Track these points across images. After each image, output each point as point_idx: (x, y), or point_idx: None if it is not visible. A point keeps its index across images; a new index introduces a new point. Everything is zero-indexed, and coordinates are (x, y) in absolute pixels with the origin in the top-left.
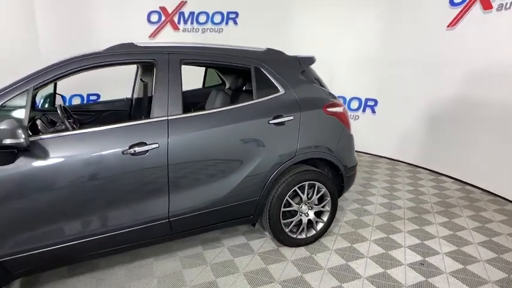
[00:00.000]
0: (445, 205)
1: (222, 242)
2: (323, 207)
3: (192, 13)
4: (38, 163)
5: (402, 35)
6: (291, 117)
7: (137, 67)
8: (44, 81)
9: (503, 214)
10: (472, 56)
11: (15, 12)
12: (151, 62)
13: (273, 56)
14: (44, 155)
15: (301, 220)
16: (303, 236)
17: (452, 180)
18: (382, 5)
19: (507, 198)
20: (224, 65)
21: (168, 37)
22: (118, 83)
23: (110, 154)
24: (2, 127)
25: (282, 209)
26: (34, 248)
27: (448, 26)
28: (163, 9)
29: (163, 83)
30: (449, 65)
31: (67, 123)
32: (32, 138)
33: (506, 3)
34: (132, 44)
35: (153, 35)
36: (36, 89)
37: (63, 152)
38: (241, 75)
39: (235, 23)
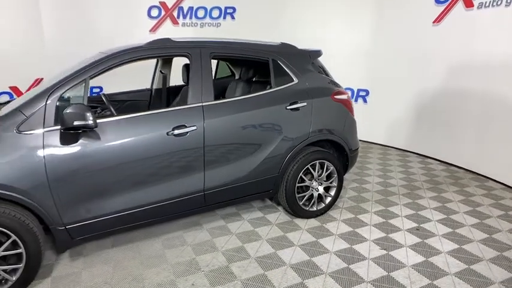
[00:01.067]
0: (434, 183)
1: (242, 216)
2: (331, 183)
3: (191, 8)
4: (98, 142)
5: (392, 30)
6: (305, 104)
7: (157, 60)
8: (98, 71)
9: (484, 189)
10: (455, 50)
11: (19, 5)
12: (185, 55)
13: (287, 50)
14: (103, 135)
15: (312, 194)
16: (314, 208)
17: (438, 162)
18: (372, 2)
19: (487, 176)
20: (245, 57)
21: (168, 31)
22: (118, 76)
23: (157, 135)
24: (73, 111)
25: (297, 185)
26: (94, 217)
27: (433, 22)
28: (163, 4)
29: (197, 73)
30: (434, 58)
31: (112, 109)
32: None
33: (486, 2)
34: (169, 39)
35: (154, 29)
36: (91, 78)
37: (118, 133)
38: (252, 67)
39: (233, 17)
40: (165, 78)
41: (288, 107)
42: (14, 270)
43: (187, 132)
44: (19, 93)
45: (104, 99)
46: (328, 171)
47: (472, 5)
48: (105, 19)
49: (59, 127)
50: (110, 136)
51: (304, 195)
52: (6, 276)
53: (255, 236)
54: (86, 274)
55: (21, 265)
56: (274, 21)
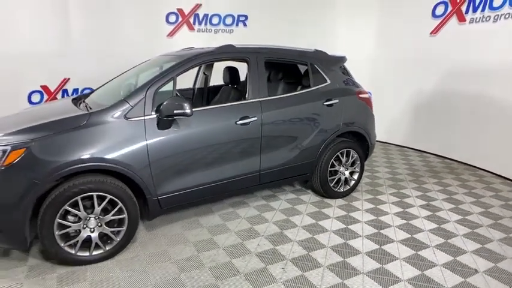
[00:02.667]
0: (433, 172)
1: (279, 197)
2: (355, 168)
3: (206, 15)
4: (186, 128)
5: (393, 38)
6: (337, 100)
7: None
8: (182, 71)
9: (477, 176)
10: (449, 57)
11: (50, 11)
12: (245, 59)
13: (320, 55)
14: (190, 122)
15: (340, 178)
16: (341, 190)
17: (434, 155)
18: (375, 14)
19: (478, 166)
20: (290, 61)
21: (185, 37)
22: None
23: (228, 123)
24: (173, 102)
25: (329, 169)
26: (178, 190)
27: (430, 33)
28: (180, 10)
29: (254, 74)
30: (431, 64)
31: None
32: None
33: (476, 18)
34: (232, 45)
35: (171, 34)
36: (177, 76)
37: (200, 121)
38: (281, 70)
39: (245, 25)
40: (206, 79)
41: (324, 103)
42: (118, 232)
43: (249, 122)
44: (49, 92)
45: (179, 94)
46: (353, 159)
47: (465, 20)
48: (127, 24)
49: (155, 115)
50: (194, 123)
51: (334, 178)
52: (113, 236)
53: (295, 212)
54: (165, 242)
55: (124, 228)
56: (283, 29)
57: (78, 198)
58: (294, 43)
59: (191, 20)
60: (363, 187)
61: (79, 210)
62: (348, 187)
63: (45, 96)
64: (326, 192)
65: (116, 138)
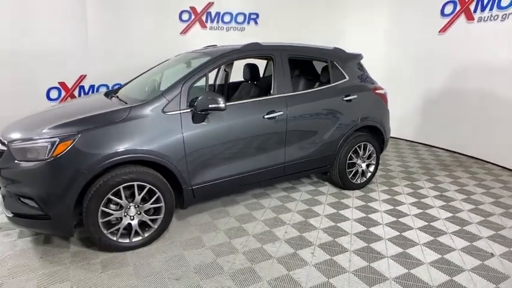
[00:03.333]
0: (443, 165)
1: (299, 189)
2: (371, 161)
3: (218, 13)
4: (219, 121)
5: (402, 36)
6: (356, 96)
7: None
8: (213, 68)
9: (485, 169)
10: (458, 55)
11: (69, 10)
12: (270, 56)
13: (339, 53)
14: (222, 116)
15: (357, 170)
16: (358, 181)
17: (443, 150)
18: (386, 14)
19: (487, 160)
20: (311, 58)
21: (197, 34)
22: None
23: (257, 117)
24: (208, 97)
25: (347, 162)
26: (209, 181)
27: (439, 32)
28: (193, 8)
29: (279, 70)
30: (440, 61)
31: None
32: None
33: (485, 17)
34: (258, 43)
35: (184, 31)
36: (209, 72)
37: (231, 115)
38: (299, 67)
39: (256, 23)
40: (227, 75)
41: (344, 99)
42: (155, 220)
43: (276, 116)
44: (66, 88)
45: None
46: (370, 152)
47: (473, 19)
48: (141, 21)
49: (190, 109)
50: (225, 117)
51: (351, 171)
52: (151, 224)
53: (316, 202)
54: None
55: (161, 216)
56: (294, 27)
57: (121, 187)
58: (304, 40)
59: (203, 18)
60: (377, 179)
61: (121, 199)
62: (365, 179)
63: (63, 93)
64: (344, 183)
65: (155, 131)
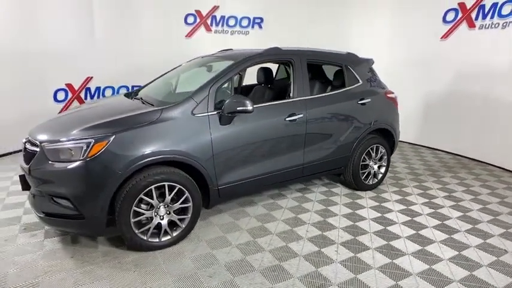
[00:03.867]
0: (447, 167)
1: (312, 190)
2: (382, 163)
3: (223, 17)
4: (244, 124)
5: (406, 41)
6: (369, 100)
7: None
8: (238, 71)
9: (488, 171)
10: (459, 60)
11: (76, 12)
12: (290, 61)
13: (353, 58)
14: (247, 118)
15: (369, 171)
16: (370, 182)
17: (445, 152)
18: (389, 20)
19: (487, 162)
20: (327, 63)
21: (203, 37)
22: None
23: (279, 120)
24: (236, 99)
25: (360, 163)
26: (235, 181)
27: (441, 38)
28: (198, 12)
29: (299, 74)
30: (442, 66)
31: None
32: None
33: (486, 24)
34: (278, 48)
35: (189, 34)
36: (234, 76)
37: (255, 117)
38: (311, 71)
39: (260, 27)
40: (240, 78)
41: (358, 102)
42: (183, 220)
43: (296, 119)
44: (73, 90)
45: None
46: (381, 154)
47: (474, 26)
48: (147, 24)
49: (217, 111)
50: (250, 119)
51: (364, 172)
52: (179, 223)
53: (332, 202)
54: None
55: (189, 216)
56: (298, 31)
57: (152, 187)
58: (309, 44)
59: (208, 22)
60: (387, 181)
61: (152, 199)
62: (376, 180)
63: (70, 95)
64: (357, 184)
65: (185, 133)
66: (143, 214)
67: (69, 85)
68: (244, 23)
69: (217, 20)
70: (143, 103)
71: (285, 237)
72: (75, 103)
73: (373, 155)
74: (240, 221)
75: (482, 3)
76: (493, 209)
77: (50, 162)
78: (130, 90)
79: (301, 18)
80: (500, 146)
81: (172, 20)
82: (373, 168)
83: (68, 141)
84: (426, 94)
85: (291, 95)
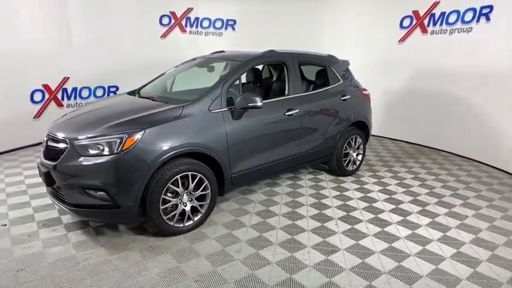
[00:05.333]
0: (409, 154)
1: (301, 178)
2: (359, 151)
3: (197, 18)
4: (253, 118)
5: (368, 44)
6: (349, 96)
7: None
8: (243, 71)
9: (442, 156)
10: (415, 61)
11: (51, 13)
12: (284, 62)
13: (333, 59)
14: (254, 113)
15: (349, 159)
16: (351, 168)
17: (405, 142)
18: (354, 25)
19: (441, 149)
20: (313, 64)
21: (177, 38)
22: (131, 77)
23: (280, 114)
24: (247, 97)
25: (343, 152)
26: (244, 170)
27: (399, 41)
28: (173, 13)
29: (292, 74)
30: (400, 66)
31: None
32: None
33: (436, 30)
34: (273, 50)
35: (164, 35)
36: (241, 75)
37: (260, 112)
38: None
39: (233, 29)
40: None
41: (341, 98)
42: (202, 206)
43: (293, 114)
44: (50, 90)
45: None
46: (358, 143)
47: (427, 31)
48: (123, 25)
49: (228, 108)
50: (256, 114)
51: (345, 160)
52: (200, 209)
53: (321, 187)
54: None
55: (207, 202)
56: (270, 33)
57: (178, 177)
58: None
59: (183, 23)
60: (362, 168)
61: (178, 187)
62: (355, 166)
63: (47, 95)
64: (340, 170)
65: (204, 127)
66: (170, 202)
67: (46, 86)
68: (218, 24)
69: (192, 21)
70: (153, 100)
71: (291, 217)
72: (52, 104)
73: (353, 144)
74: (246, 206)
75: (432, 12)
76: (453, 185)
77: (82, 157)
78: (132, 89)
79: (273, 21)
80: (452, 135)
81: (148, 21)
82: (353, 156)
83: (101, 136)
84: (388, 91)
85: (286, 92)
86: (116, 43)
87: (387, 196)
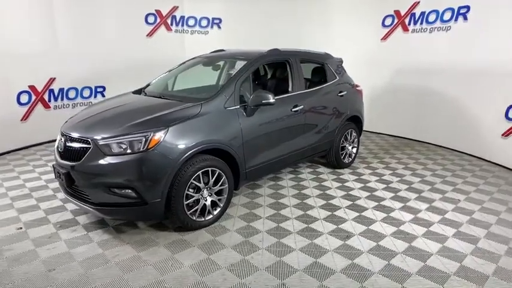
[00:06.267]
0: (394, 146)
1: (301, 172)
2: (354, 144)
3: (182, 17)
4: (265, 114)
5: (351, 43)
6: (345, 92)
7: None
8: (252, 70)
9: (425, 147)
10: (397, 58)
11: (36, 14)
12: (288, 60)
13: (329, 57)
14: (264, 110)
15: (346, 152)
16: (347, 161)
17: (389, 135)
18: (338, 24)
19: (423, 140)
20: (313, 62)
21: (163, 37)
22: (118, 77)
23: (286, 110)
24: (261, 94)
25: (340, 145)
26: (258, 164)
27: (381, 39)
28: (158, 12)
29: (295, 71)
30: (382, 63)
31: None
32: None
33: (417, 29)
34: (277, 49)
35: (150, 34)
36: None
37: (270, 109)
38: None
39: (219, 27)
40: (221, 75)
41: (338, 94)
42: (220, 200)
43: (298, 110)
44: (36, 92)
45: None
46: (354, 137)
47: (408, 30)
48: (108, 25)
49: (240, 105)
50: (266, 111)
51: (342, 153)
52: (219, 203)
53: (322, 179)
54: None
55: (225, 196)
56: (255, 31)
57: (200, 172)
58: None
59: (169, 21)
60: (356, 160)
61: (200, 183)
62: (350, 159)
63: (33, 97)
64: (338, 163)
65: (221, 124)
66: (192, 197)
67: (32, 87)
68: (204, 23)
69: (177, 20)
70: (165, 99)
71: (301, 207)
72: (39, 106)
73: (349, 138)
74: (257, 200)
75: (413, 11)
76: (441, 173)
77: (107, 156)
78: (137, 89)
79: (258, 19)
80: (432, 127)
81: (133, 20)
82: (349, 149)
83: (126, 135)
84: (371, 87)
85: (290, 89)
86: (102, 42)
87: (385, 185)
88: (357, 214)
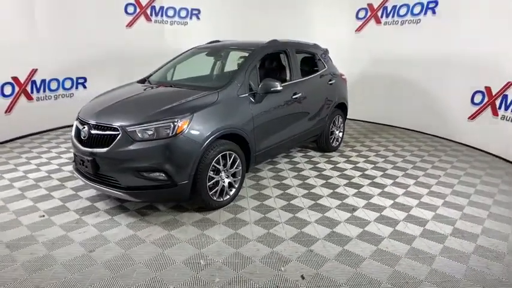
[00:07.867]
0: (371, 131)
1: (294, 156)
2: (341, 129)
3: (162, 7)
4: (272, 100)
5: (328, 35)
6: (334, 81)
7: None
8: (257, 61)
9: (397, 131)
10: (370, 49)
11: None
12: (285, 50)
13: (318, 47)
14: (272, 97)
15: (334, 136)
16: (334, 144)
17: (364, 121)
18: (315, 13)
19: (395, 125)
20: (305, 52)
21: (143, 27)
22: (99, 67)
23: (288, 97)
24: (270, 82)
25: (330, 130)
26: (266, 148)
27: (356, 31)
28: (137, 2)
29: (292, 61)
30: (357, 53)
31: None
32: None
33: (389, 21)
34: (276, 40)
35: (130, 24)
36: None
37: (275, 96)
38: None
39: (198, 18)
40: (223, 65)
41: (328, 82)
42: (235, 181)
43: (297, 97)
44: (19, 83)
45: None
46: (340, 122)
47: (380, 22)
48: (88, 15)
49: (250, 92)
50: (272, 98)
51: (331, 137)
52: (234, 184)
53: (315, 162)
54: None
55: (239, 178)
56: (233, 22)
57: (219, 156)
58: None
59: (148, 12)
60: (344, 140)
61: (219, 165)
62: (337, 143)
63: (17, 88)
64: (328, 147)
65: (236, 111)
66: (213, 178)
67: (15, 78)
68: (183, 13)
69: (157, 10)
70: (178, 87)
71: (304, 187)
72: (22, 97)
73: (336, 123)
74: (262, 181)
75: (385, 4)
76: (418, 153)
77: (137, 142)
78: (141, 78)
79: (236, 10)
80: (405, 113)
81: (113, 10)
82: (336, 134)
83: (155, 122)
84: (347, 75)
85: (288, 78)
86: (82, 33)
87: (372, 165)
88: (356, 190)
